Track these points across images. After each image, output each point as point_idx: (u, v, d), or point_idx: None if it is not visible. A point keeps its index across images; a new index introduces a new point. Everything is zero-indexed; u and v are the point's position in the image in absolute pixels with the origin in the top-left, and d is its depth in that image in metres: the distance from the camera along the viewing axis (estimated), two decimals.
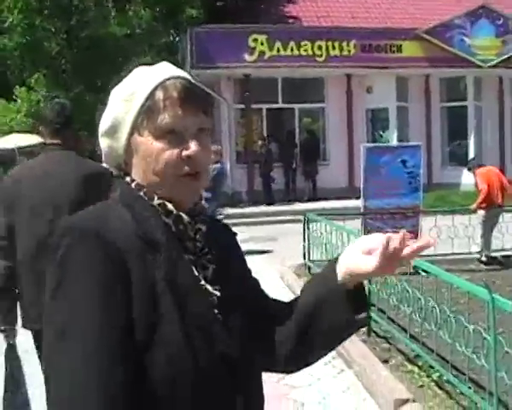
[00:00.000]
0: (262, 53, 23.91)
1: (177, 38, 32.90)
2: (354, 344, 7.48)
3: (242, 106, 25.11)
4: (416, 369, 6.70)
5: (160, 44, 28.50)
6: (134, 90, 1.78)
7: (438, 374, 6.32)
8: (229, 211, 21.97)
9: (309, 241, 11.93)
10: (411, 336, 6.95)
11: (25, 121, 24.03)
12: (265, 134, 25.04)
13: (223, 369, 1.69)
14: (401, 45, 24.77)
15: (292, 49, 23.99)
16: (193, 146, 1.72)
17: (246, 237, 17.89)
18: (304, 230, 12.11)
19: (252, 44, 23.83)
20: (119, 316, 1.57)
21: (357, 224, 11.54)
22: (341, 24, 25.33)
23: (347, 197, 21.61)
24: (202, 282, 1.76)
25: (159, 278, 1.64)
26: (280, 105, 25.60)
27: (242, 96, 24.91)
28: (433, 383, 6.30)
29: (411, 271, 7.55)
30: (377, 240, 1.74)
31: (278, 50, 23.93)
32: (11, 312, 4.67)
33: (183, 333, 1.62)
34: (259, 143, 24.07)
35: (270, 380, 6.92)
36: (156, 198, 1.76)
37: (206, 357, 1.65)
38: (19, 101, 24.32)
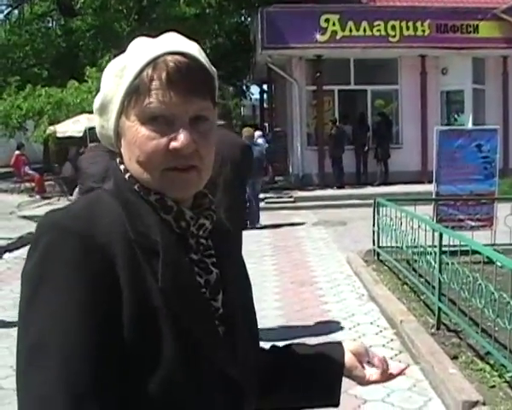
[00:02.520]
0: (334, 33, 23.47)
1: (248, 19, 32.74)
2: (422, 338, 7.14)
3: (314, 87, 24.76)
4: (487, 367, 6.28)
5: (230, 24, 28.36)
6: (125, 65, 1.54)
7: (511, 374, 5.91)
8: (299, 193, 21.85)
9: (378, 226, 11.58)
10: (483, 331, 6.55)
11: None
12: (337, 116, 24.61)
13: (222, 390, 1.50)
14: (477, 25, 23.93)
15: (365, 30, 23.48)
16: (182, 137, 1.47)
17: (315, 220, 17.74)
18: (373, 215, 11.76)
19: (324, 24, 23.41)
20: (104, 331, 1.35)
21: (429, 210, 11.11)
22: (416, 3, 24.68)
23: (420, 182, 21.16)
24: (204, 290, 1.55)
25: (155, 289, 1.42)
26: (352, 87, 25.16)
27: (314, 77, 24.56)
28: (505, 384, 5.87)
29: (485, 260, 7.14)
30: (365, 353, 1.93)
31: (350, 30, 23.45)
32: None
33: (180, 353, 1.42)
34: (330, 125, 23.69)
35: None
36: (153, 193, 1.53)
37: (204, 379, 1.47)
38: (89, 81, 24.37)
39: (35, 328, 1.34)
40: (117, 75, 1.55)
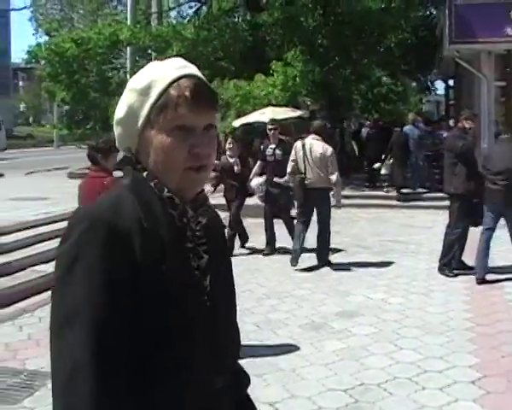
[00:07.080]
0: None
1: (434, 12, 32.09)
2: None
3: (503, 83, 23.82)
4: None
5: (416, 18, 27.94)
6: (149, 85, 1.97)
7: None
8: None
9: None
10: None
11: (281, 95, 24.40)
12: None
13: (208, 350, 1.94)
14: None
15: None
16: (201, 143, 1.94)
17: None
18: None
19: None
20: (122, 298, 1.77)
21: None
22: None
23: None
24: (196, 272, 1.99)
25: (159, 265, 1.85)
26: None
27: (503, 72, 23.64)
28: None
29: None
30: None
31: None
32: None
33: (174, 319, 1.86)
34: None
35: None
36: (166, 191, 1.96)
37: (192, 342, 1.90)
38: (275, 75, 24.70)
39: (70, 297, 1.75)
40: (142, 93, 1.97)
